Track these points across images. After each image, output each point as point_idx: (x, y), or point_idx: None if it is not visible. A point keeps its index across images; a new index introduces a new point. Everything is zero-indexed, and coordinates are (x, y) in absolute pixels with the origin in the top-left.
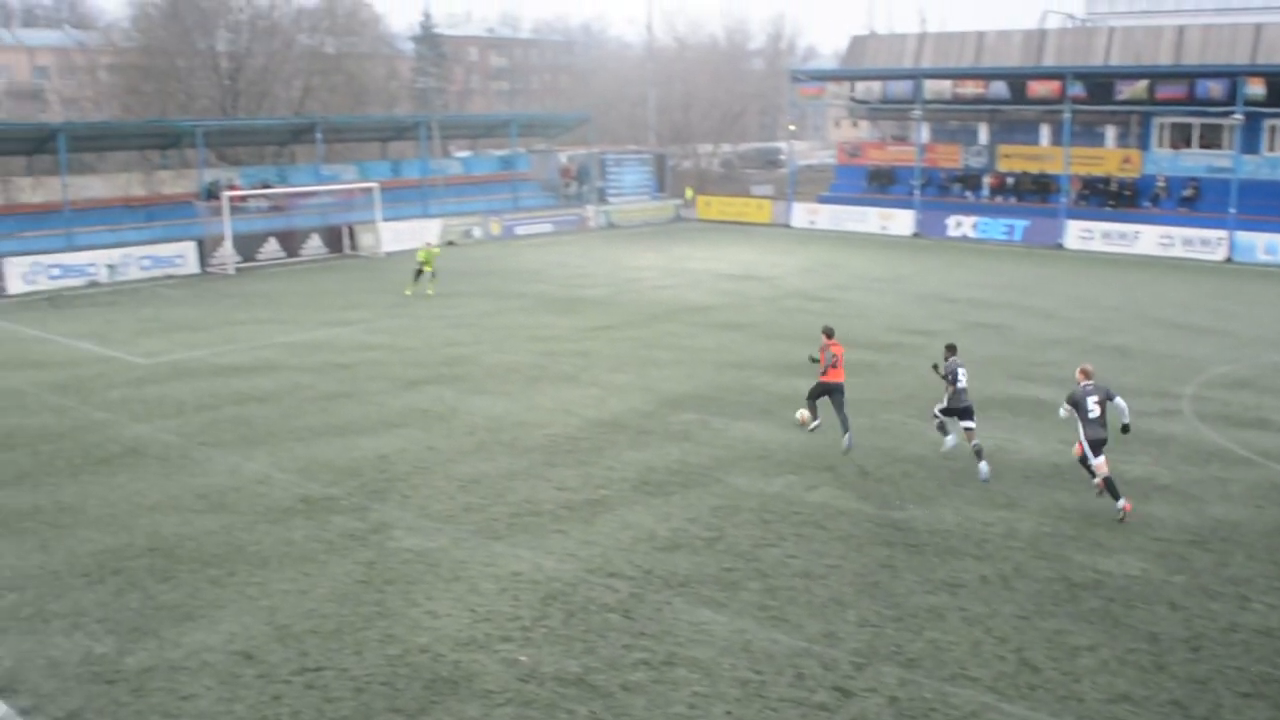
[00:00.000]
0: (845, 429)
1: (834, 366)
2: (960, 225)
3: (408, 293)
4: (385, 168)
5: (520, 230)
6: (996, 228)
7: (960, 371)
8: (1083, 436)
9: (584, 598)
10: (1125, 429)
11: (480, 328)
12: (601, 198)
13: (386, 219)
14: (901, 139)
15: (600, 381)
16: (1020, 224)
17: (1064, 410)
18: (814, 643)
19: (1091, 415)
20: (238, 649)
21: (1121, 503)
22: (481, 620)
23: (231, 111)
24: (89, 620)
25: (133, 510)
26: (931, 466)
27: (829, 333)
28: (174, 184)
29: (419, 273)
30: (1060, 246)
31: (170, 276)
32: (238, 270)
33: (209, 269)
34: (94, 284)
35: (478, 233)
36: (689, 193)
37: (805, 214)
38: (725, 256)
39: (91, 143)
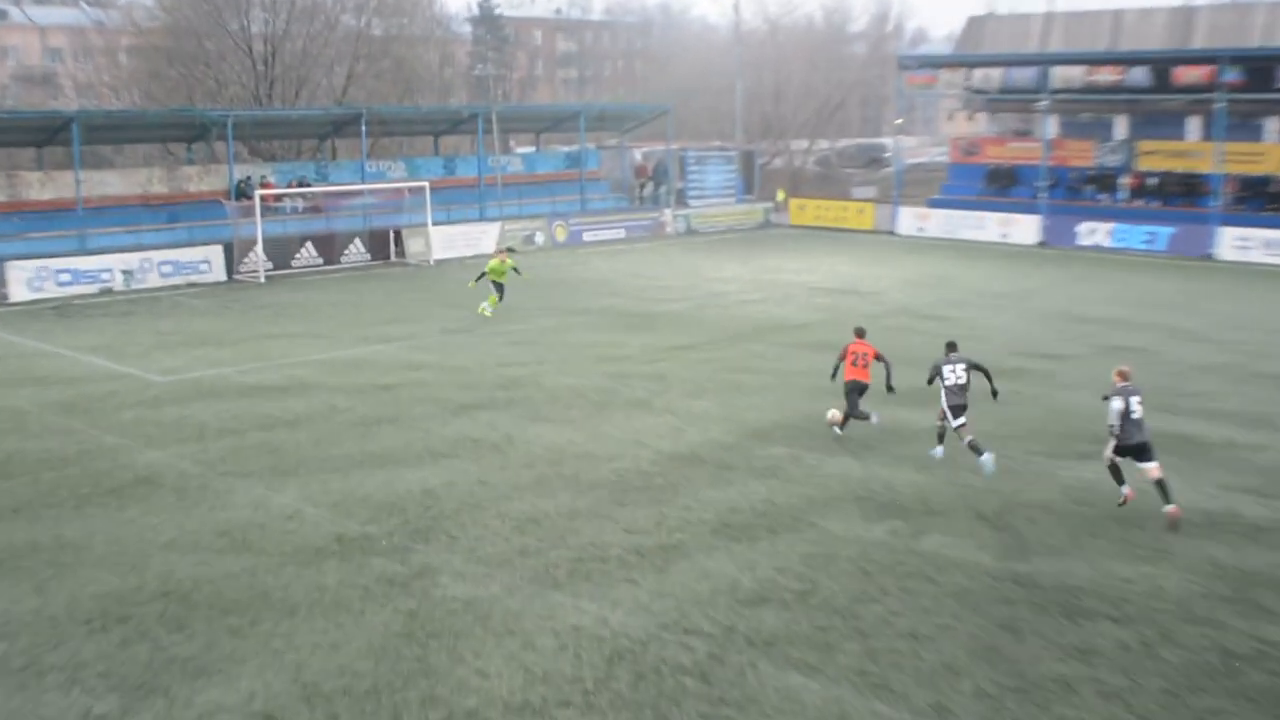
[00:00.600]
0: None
1: (865, 366)
2: (1093, 233)
3: (487, 313)
4: (437, 165)
5: (588, 236)
6: (1136, 235)
7: (947, 369)
8: (1113, 440)
9: (655, 658)
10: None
11: (541, 346)
12: (681, 200)
13: (438, 222)
14: (1025, 134)
15: (677, 409)
16: (1164, 231)
17: (1115, 405)
18: (921, 716)
19: (1134, 416)
20: (258, 710)
21: (1170, 506)
22: (538, 681)
23: (266, 101)
24: (89, 674)
25: (144, 548)
26: (1060, 512)
27: (860, 333)
28: (200, 181)
29: (499, 286)
30: (1210, 257)
31: (193, 284)
32: (269, 278)
33: (237, 276)
34: (107, 292)
35: (540, 239)
36: (780, 195)
37: (913, 219)
38: (821, 268)
39: (109, 134)
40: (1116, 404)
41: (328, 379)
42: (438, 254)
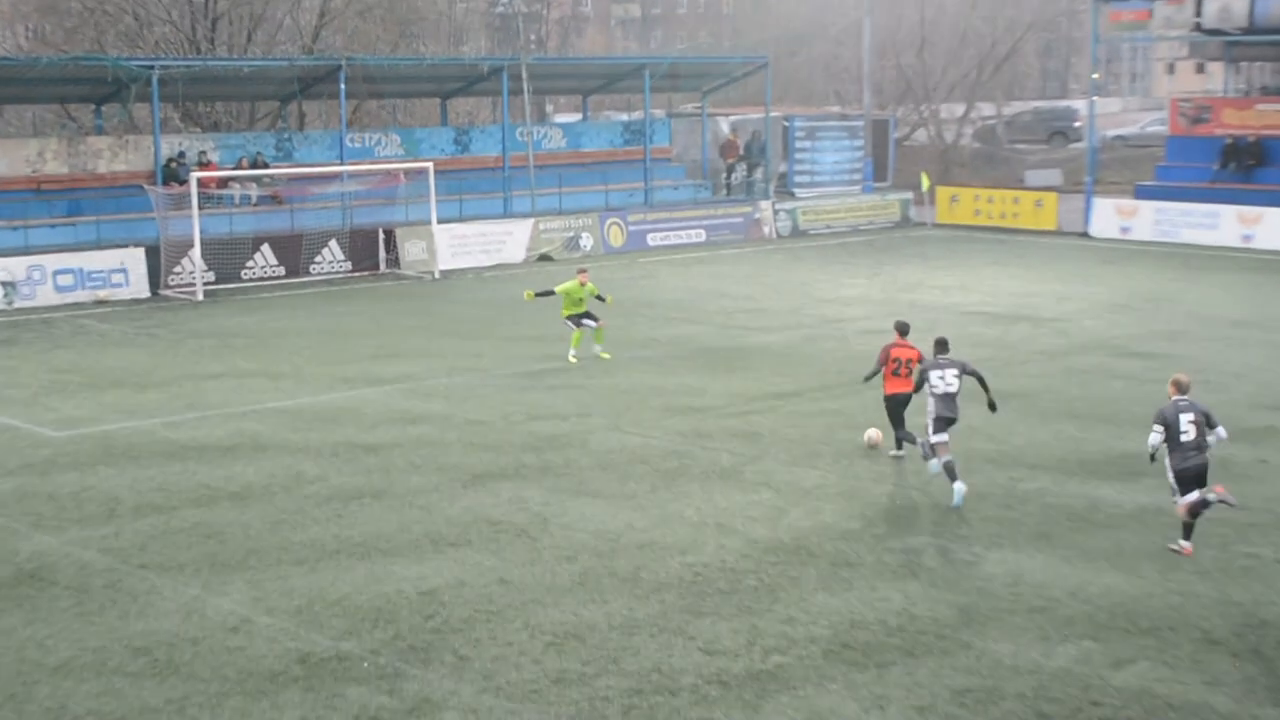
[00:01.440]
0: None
1: (908, 375)
2: None
3: (572, 359)
4: (445, 138)
5: (655, 239)
6: None
7: (935, 375)
8: (1170, 467)
9: None
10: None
11: (588, 391)
12: (784, 189)
13: (445, 219)
14: (1278, 94)
15: (777, 480)
16: None
17: (1155, 435)
18: None
19: (1185, 438)
20: None
21: (1213, 494)
22: None
23: (206, 48)
24: None
25: (27, 672)
26: None
27: (902, 330)
28: (113, 159)
29: (579, 319)
30: None
31: (103, 302)
32: (209, 295)
33: (165, 292)
34: None
35: (588, 242)
36: (924, 181)
37: (1113, 215)
38: (981, 284)
39: None
40: (1155, 435)
41: (290, 436)
42: (445, 263)
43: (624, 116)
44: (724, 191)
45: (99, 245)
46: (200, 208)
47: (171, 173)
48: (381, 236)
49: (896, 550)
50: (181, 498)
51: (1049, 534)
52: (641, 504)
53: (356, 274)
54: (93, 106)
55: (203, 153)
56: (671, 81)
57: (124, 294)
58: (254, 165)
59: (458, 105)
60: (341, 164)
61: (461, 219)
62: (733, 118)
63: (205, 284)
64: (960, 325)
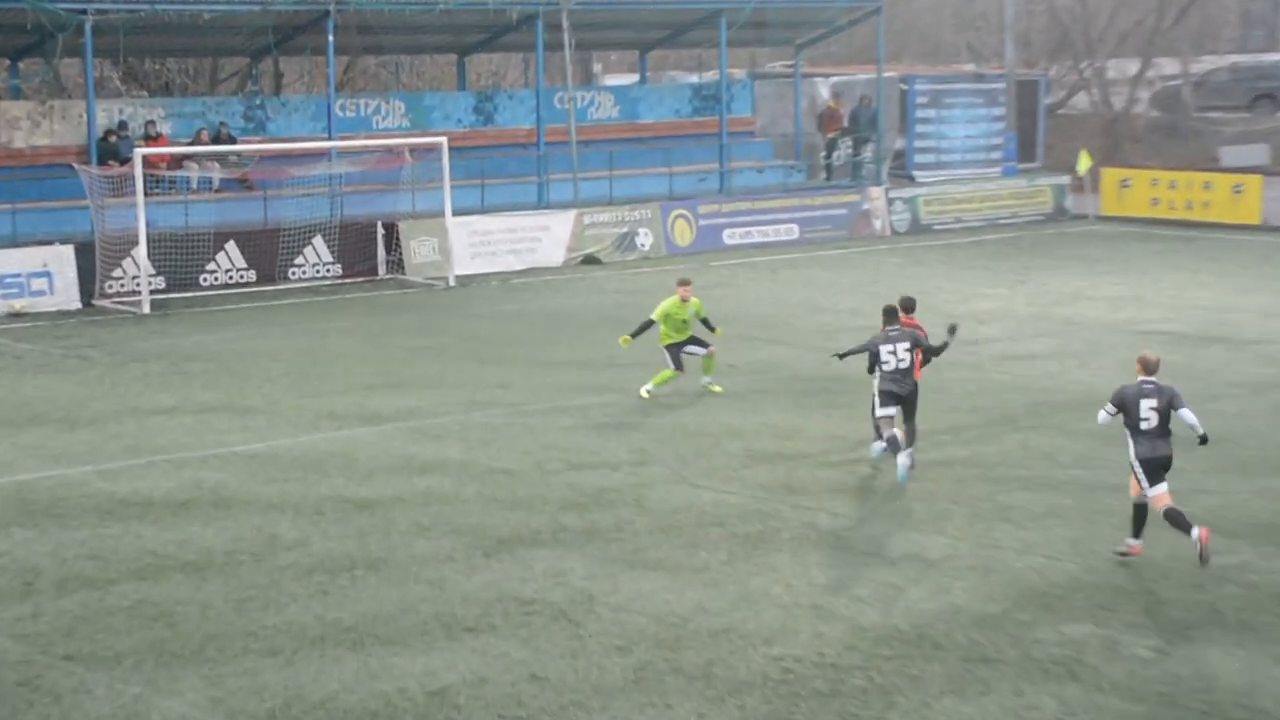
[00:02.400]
0: (906, 444)
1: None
2: None
3: (644, 394)
4: (463, 106)
5: (732, 235)
6: None
7: (885, 350)
8: (1133, 456)
9: None
10: (1203, 440)
11: (646, 432)
12: (902, 172)
13: (463, 210)
14: None
15: (891, 550)
16: None
17: (1104, 415)
18: None
19: (1145, 425)
20: None
21: (1196, 532)
22: None
23: None
24: None
25: None
26: None
27: (906, 307)
28: (34, 130)
29: (680, 347)
30: None
31: (20, 315)
32: (159, 306)
33: (101, 302)
34: None
35: (646, 240)
36: (1085, 162)
37: None
38: (1161, 294)
39: None
40: (1104, 415)
41: (262, 489)
42: (462, 266)
43: (693, 78)
44: (823, 175)
45: (14, 242)
46: (147, 194)
47: (110, 149)
48: (380, 232)
49: (1049, 643)
50: (120, 568)
51: (1253, 624)
52: (715, 579)
53: (348, 280)
54: (6, 62)
55: (150, 123)
56: (756, 32)
57: (47, 304)
58: (216, 140)
59: (479, 64)
60: (329, 139)
61: (484, 210)
62: (835, 79)
63: (153, 292)
64: (1133, 348)
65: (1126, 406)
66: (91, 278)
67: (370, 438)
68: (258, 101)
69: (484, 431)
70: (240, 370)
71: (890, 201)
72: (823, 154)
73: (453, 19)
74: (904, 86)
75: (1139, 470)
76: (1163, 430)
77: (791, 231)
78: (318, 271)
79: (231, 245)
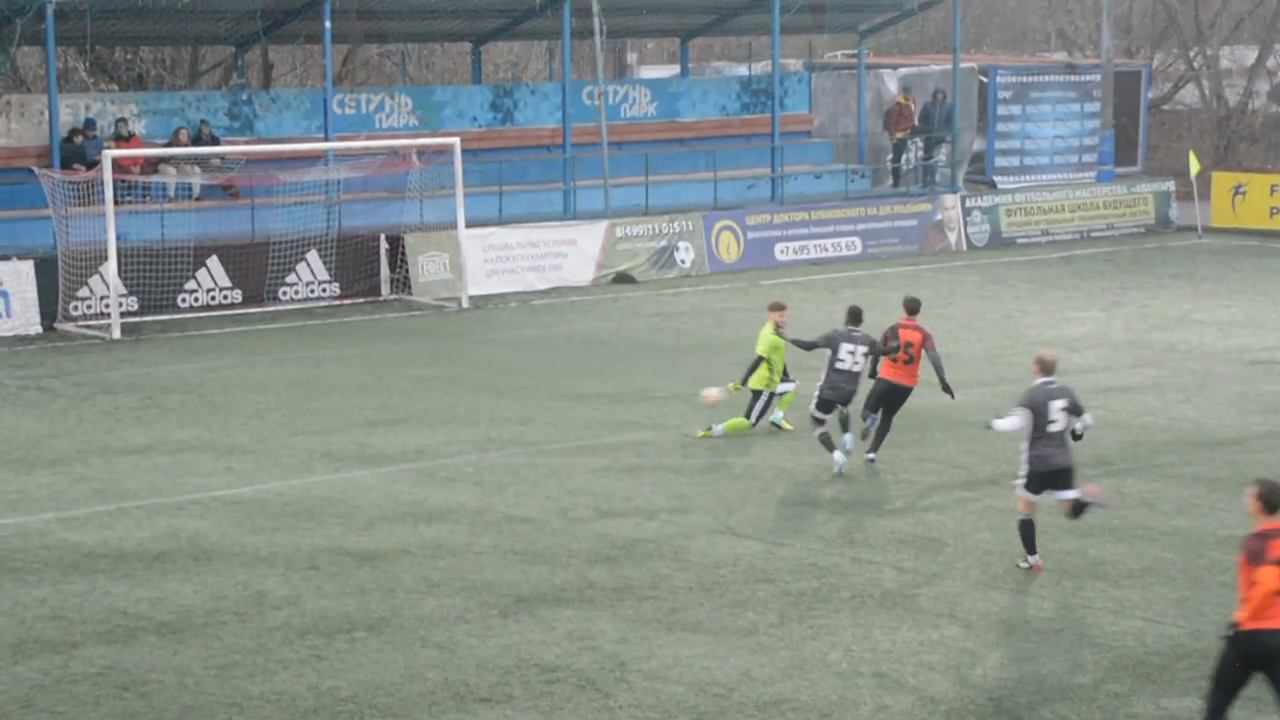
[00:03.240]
0: (875, 445)
1: (908, 362)
2: None
3: (702, 434)
4: (478, 102)
5: (786, 250)
6: None
7: (846, 349)
8: (1027, 461)
9: None
10: (1077, 436)
11: (685, 475)
12: (980, 177)
13: (477, 220)
14: None
15: (964, 610)
16: None
17: (1017, 419)
18: None
19: (1053, 428)
20: None
21: (1035, 559)
22: None
23: None
24: None
25: None
26: None
27: (911, 308)
28: None
29: (763, 400)
30: None
31: None
32: (131, 330)
33: (64, 325)
34: None
35: (686, 255)
36: (1194, 165)
37: None
38: (1279, 319)
39: None
40: (1014, 420)
41: (248, 538)
42: (477, 286)
43: (742, 70)
44: (890, 181)
45: None
46: (118, 202)
47: (75, 150)
48: (384, 247)
49: (1146, 718)
50: (86, 629)
51: None
52: (764, 643)
53: (347, 301)
54: None
55: (121, 121)
56: (814, 17)
57: (2, 328)
58: (197, 140)
59: (497, 53)
60: (326, 139)
61: (501, 221)
62: (904, 71)
63: (124, 314)
64: (1245, 380)
65: (1036, 408)
66: (54, 297)
67: (372, 481)
68: (244, 97)
69: (501, 474)
70: (223, 404)
71: (967, 211)
72: (890, 157)
73: (467, 2)
74: (983, 79)
75: (1031, 478)
76: (1064, 436)
77: (853, 246)
78: (312, 291)
79: (214, 261)
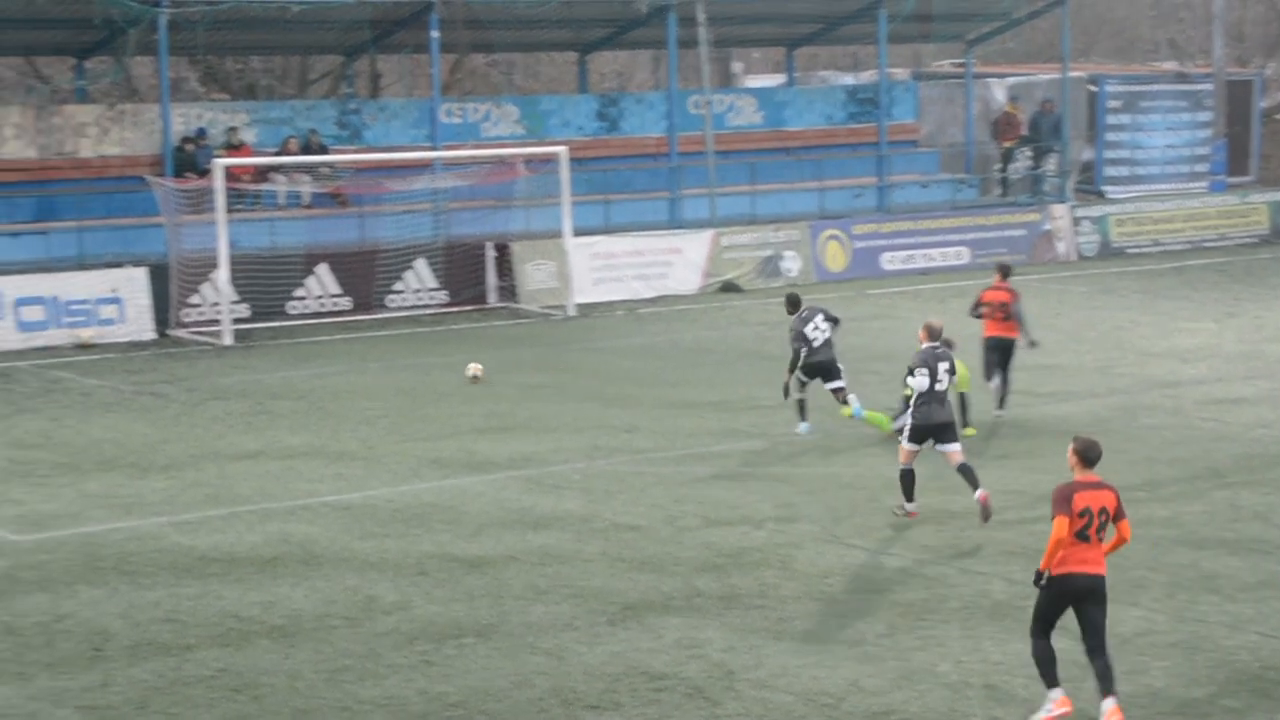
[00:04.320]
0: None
1: (996, 320)
2: None
3: (852, 414)
4: (584, 111)
5: (892, 260)
6: None
7: (810, 329)
8: (912, 417)
9: None
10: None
11: (792, 484)
12: (1089, 187)
13: (584, 229)
14: None
15: (1075, 623)
16: None
17: (922, 378)
18: None
19: (939, 386)
20: None
21: (912, 506)
22: None
23: None
24: None
25: None
26: None
27: (1004, 272)
28: (103, 137)
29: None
30: None
31: (87, 346)
32: (242, 337)
33: (177, 332)
34: None
35: (792, 264)
36: None
37: None
38: None
39: None
40: (921, 379)
41: (358, 544)
42: (583, 294)
43: (848, 79)
44: (998, 190)
45: (81, 264)
46: (229, 210)
47: (186, 159)
48: (491, 255)
49: None
50: (199, 632)
51: None
52: (872, 653)
53: (454, 309)
54: (72, 61)
55: (232, 130)
56: (921, 26)
57: (117, 334)
58: (306, 149)
59: (603, 63)
60: (433, 148)
61: (608, 230)
62: (1011, 80)
63: (235, 321)
64: None
65: (930, 369)
66: (166, 304)
67: (479, 488)
68: (353, 106)
69: (608, 482)
70: (333, 410)
71: (1076, 221)
72: (997, 166)
73: (573, 12)
74: (1092, 88)
75: (914, 430)
76: (945, 395)
77: (961, 255)
78: (420, 299)
79: (323, 269)
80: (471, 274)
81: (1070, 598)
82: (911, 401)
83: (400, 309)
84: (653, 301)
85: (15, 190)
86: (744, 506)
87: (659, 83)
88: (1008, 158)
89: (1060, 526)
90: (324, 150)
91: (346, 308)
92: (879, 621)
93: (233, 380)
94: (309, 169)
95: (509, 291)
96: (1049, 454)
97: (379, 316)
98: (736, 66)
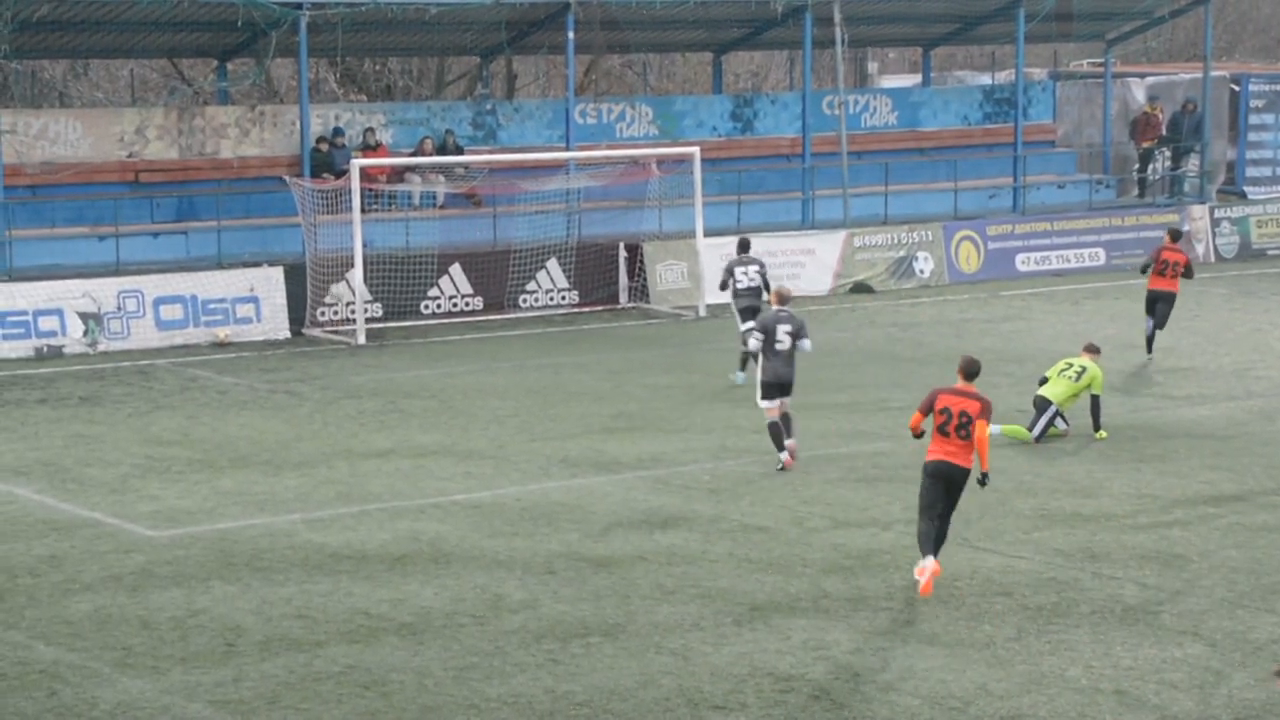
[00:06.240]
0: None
1: (1163, 275)
2: None
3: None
4: (718, 112)
5: (1027, 261)
6: None
7: (740, 271)
8: (760, 375)
9: None
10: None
11: (918, 485)
12: (1230, 187)
13: (715, 230)
14: None
15: (1209, 628)
16: None
17: (755, 341)
18: None
19: (780, 347)
20: None
21: (784, 454)
22: None
23: None
24: None
25: None
26: None
27: (1175, 235)
28: (242, 138)
29: (1048, 415)
30: None
31: (224, 345)
32: (375, 336)
33: (312, 331)
34: (48, 356)
35: (925, 265)
36: None
37: None
38: None
39: (48, 37)
40: (755, 340)
41: (486, 542)
42: (714, 295)
43: (985, 79)
44: (1136, 191)
45: (219, 263)
46: (364, 210)
47: (323, 159)
48: (623, 255)
49: None
50: (329, 629)
51: None
52: (1001, 656)
53: (585, 309)
54: (214, 63)
55: (369, 130)
56: (1060, 25)
57: (253, 333)
58: (442, 150)
59: (738, 63)
60: (567, 149)
61: (740, 230)
62: (1151, 80)
63: (369, 321)
64: None
65: (766, 330)
66: (302, 304)
67: (608, 488)
68: (488, 107)
69: (736, 483)
70: (464, 409)
71: (1216, 222)
72: (1136, 167)
73: (709, 13)
74: (1235, 87)
75: (765, 387)
76: (790, 356)
77: (1097, 257)
78: (551, 299)
79: (456, 269)
80: (603, 274)
81: (935, 479)
82: (757, 361)
83: (532, 309)
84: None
85: (157, 190)
86: (872, 508)
87: (794, 83)
88: (1146, 158)
89: (915, 419)
90: (459, 151)
91: (478, 308)
92: (1008, 625)
93: (365, 379)
94: (444, 169)
95: (640, 292)
96: (1183, 457)
97: (510, 316)
98: (872, 66)
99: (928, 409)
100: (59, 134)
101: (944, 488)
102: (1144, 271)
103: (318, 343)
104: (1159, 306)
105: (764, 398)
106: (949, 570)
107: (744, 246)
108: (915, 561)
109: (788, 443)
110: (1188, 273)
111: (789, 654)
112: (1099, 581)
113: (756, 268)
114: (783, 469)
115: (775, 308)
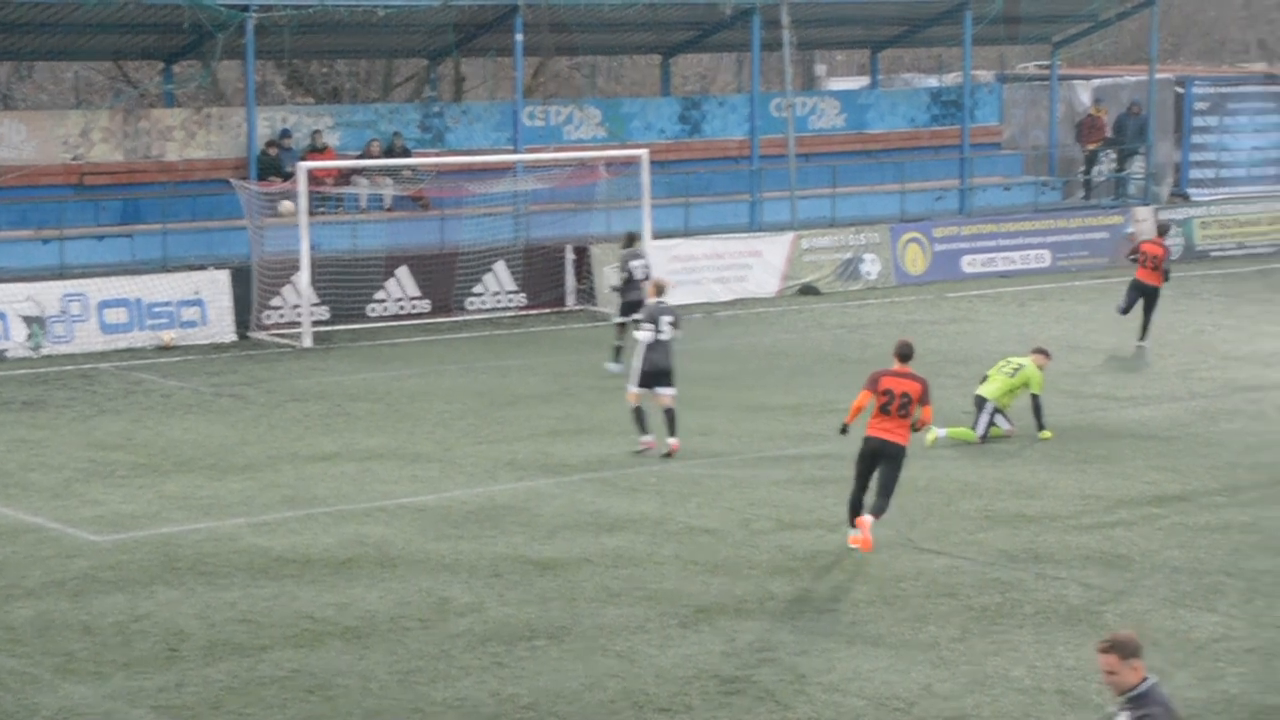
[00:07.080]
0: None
1: (1146, 268)
2: None
3: (929, 439)
4: (667, 114)
5: (973, 263)
6: None
7: (634, 263)
8: (639, 362)
9: None
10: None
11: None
12: (1175, 189)
13: (665, 232)
14: None
15: (1152, 628)
16: None
17: (645, 333)
18: None
19: (662, 336)
20: None
21: (647, 438)
22: None
23: None
24: None
25: None
26: None
27: (1162, 229)
28: (188, 141)
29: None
30: None
31: (169, 348)
32: (322, 339)
33: (257, 334)
34: None
35: (872, 267)
36: None
37: None
38: None
39: None
40: (645, 333)
41: (432, 546)
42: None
43: (932, 81)
44: (1082, 193)
45: (164, 266)
46: (311, 213)
47: (270, 162)
48: (570, 257)
49: None
50: (274, 633)
51: None
52: (945, 657)
53: (533, 311)
54: (160, 65)
55: (316, 133)
56: (1007, 28)
57: (198, 336)
58: (389, 152)
59: (685, 65)
60: (515, 151)
61: (688, 233)
62: (1097, 82)
63: (315, 323)
64: None
65: (654, 321)
66: (248, 307)
67: (554, 490)
68: (436, 109)
69: (682, 484)
70: (410, 412)
71: (1160, 225)
72: (1081, 169)
73: (657, 15)
74: (1180, 90)
75: (642, 376)
76: (669, 346)
77: (1042, 258)
78: (499, 301)
79: (403, 271)
80: (551, 276)
81: (871, 454)
82: (639, 351)
83: (479, 311)
84: (731, 304)
85: (103, 193)
86: (819, 510)
87: (741, 85)
88: (1091, 160)
89: (862, 397)
90: (407, 153)
91: (426, 310)
92: (952, 626)
93: (311, 382)
94: (391, 172)
95: (588, 294)
96: (1127, 458)
97: (458, 319)
98: (820, 69)
99: (873, 388)
100: (3, 136)
101: (879, 461)
102: (1131, 259)
103: (263, 346)
104: (1131, 294)
105: (640, 385)
106: (893, 571)
107: (632, 240)
108: (857, 556)
109: (670, 441)
110: (1164, 272)
111: (734, 656)
112: (1043, 582)
113: (644, 261)
114: (642, 452)
115: (655, 299)
